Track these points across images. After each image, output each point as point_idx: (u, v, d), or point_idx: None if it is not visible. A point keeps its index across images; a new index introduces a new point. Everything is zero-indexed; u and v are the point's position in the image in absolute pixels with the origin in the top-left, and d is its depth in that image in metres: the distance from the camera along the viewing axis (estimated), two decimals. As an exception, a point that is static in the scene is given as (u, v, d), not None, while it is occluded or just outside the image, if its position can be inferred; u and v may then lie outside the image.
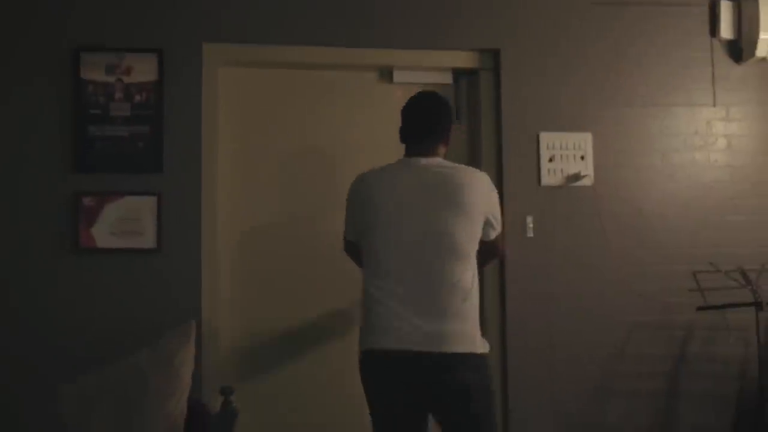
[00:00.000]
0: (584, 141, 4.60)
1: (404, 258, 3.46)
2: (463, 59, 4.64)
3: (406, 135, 3.72)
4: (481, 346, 3.44)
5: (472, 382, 3.36)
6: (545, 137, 4.58)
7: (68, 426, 3.15)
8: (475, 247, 3.54)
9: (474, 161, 4.67)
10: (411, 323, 3.37)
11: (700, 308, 4.36)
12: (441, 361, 3.34)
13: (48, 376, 3.99)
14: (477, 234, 3.54)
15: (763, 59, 4.67)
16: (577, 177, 4.55)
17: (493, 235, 3.66)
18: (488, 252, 3.74)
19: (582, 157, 4.59)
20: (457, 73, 4.73)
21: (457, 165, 3.65)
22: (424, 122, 3.71)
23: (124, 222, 4.23)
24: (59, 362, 4.07)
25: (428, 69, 4.65)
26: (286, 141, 4.65)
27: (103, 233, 4.22)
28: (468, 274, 3.46)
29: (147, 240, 4.25)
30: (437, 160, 3.63)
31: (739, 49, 4.75)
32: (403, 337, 3.37)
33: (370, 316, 3.48)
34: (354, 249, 3.81)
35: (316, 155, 4.67)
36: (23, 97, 4.24)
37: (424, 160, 3.61)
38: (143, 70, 4.29)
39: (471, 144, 4.75)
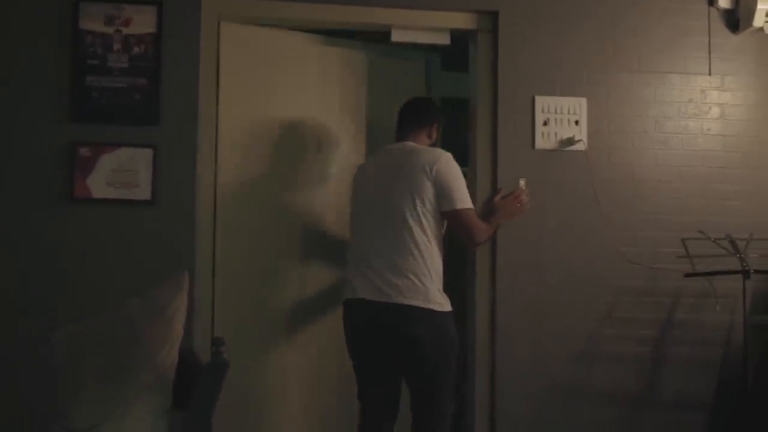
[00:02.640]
0: (579, 105, 4.61)
1: (369, 229, 4.08)
2: (462, 20, 4.64)
3: None
4: (435, 304, 3.91)
5: (420, 334, 3.87)
6: (540, 101, 4.59)
7: (60, 372, 3.17)
8: (431, 218, 3.98)
9: (469, 122, 4.70)
10: (368, 278, 3.97)
11: (688, 275, 4.39)
12: (391, 310, 3.89)
13: (41, 324, 4.00)
14: (426, 205, 3.97)
15: (760, 29, 4.66)
16: (570, 141, 4.57)
17: (449, 206, 3.99)
18: (456, 226, 4.09)
19: (576, 122, 4.61)
20: (455, 33, 4.73)
21: (418, 147, 4.14)
22: (401, 116, 4.29)
23: (120, 173, 4.24)
24: (52, 310, 4.09)
25: (426, 29, 4.66)
26: (284, 99, 4.68)
27: (99, 184, 4.23)
28: (421, 240, 3.94)
29: (142, 192, 4.25)
30: (404, 144, 4.19)
31: (736, 19, 4.74)
32: (361, 289, 4.00)
33: (346, 275, 4.18)
34: None
35: (313, 114, 4.70)
36: (22, 46, 4.24)
37: (394, 145, 4.22)
38: (142, 21, 4.29)
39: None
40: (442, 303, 3.95)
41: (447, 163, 4.00)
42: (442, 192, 3.97)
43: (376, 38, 4.86)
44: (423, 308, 3.88)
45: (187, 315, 3.29)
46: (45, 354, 3.27)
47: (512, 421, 4.49)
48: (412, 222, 3.94)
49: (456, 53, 4.95)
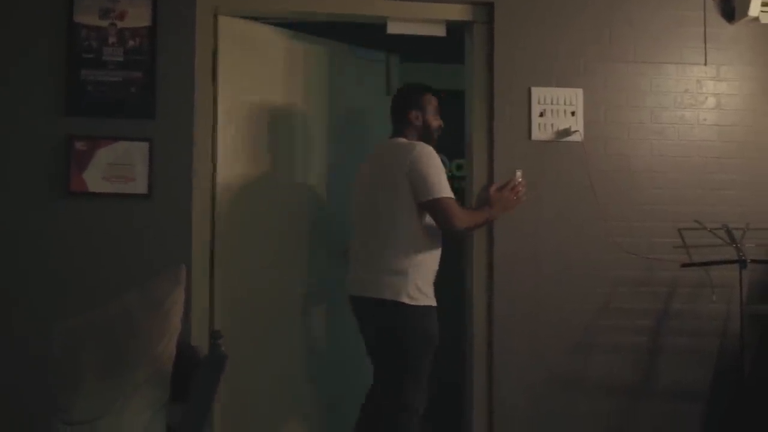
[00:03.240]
0: (575, 96, 4.61)
1: (359, 224, 4.24)
2: (457, 12, 4.64)
3: None
4: (407, 297, 4.00)
5: (388, 325, 4.02)
6: (537, 92, 4.58)
7: (58, 366, 3.17)
8: (411, 213, 4.04)
9: (465, 113, 4.70)
10: (357, 274, 4.18)
11: (684, 265, 4.39)
12: (369, 304, 4.08)
13: (37, 318, 4.02)
14: (404, 201, 4.04)
15: (756, 19, 4.65)
16: (567, 132, 4.57)
17: (425, 196, 4.02)
18: (433, 215, 4.08)
19: (572, 113, 4.60)
20: (451, 25, 4.72)
21: (399, 143, 4.19)
22: (391, 113, 4.38)
23: (116, 167, 4.24)
24: (48, 304, 4.10)
25: (422, 21, 4.64)
26: (282, 94, 4.70)
27: (95, 178, 4.23)
28: (401, 237, 4.04)
29: (138, 185, 4.25)
30: (393, 141, 4.27)
31: (732, 9, 4.74)
32: (352, 285, 4.22)
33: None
34: None
35: (309, 108, 4.71)
36: (17, 41, 4.23)
37: (387, 141, 4.31)
38: (137, 15, 4.28)
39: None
40: (416, 297, 4.03)
41: (421, 156, 4.04)
42: (417, 184, 4.02)
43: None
44: (393, 301, 3.99)
45: (184, 308, 3.29)
46: (43, 348, 3.26)
47: (510, 413, 4.49)
48: (391, 219, 4.06)
49: (418, 43, 4.96)
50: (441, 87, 4.50)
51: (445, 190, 4.04)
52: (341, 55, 4.96)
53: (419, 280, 4.04)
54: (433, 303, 4.10)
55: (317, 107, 4.84)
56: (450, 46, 4.93)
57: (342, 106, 4.93)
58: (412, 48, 5.14)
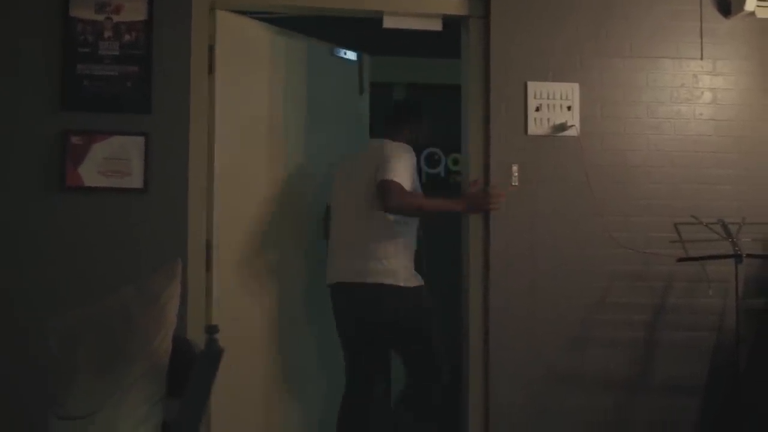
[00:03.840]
0: (571, 91, 4.60)
1: (341, 214, 4.45)
2: (453, 6, 4.63)
3: None
4: (403, 280, 4.26)
5: (394, 309, 4.26)
6: (533, 86, 4.58)
7: (54, 361, 3.16)
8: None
9: (461, 108, 4.70)
10: (344, 263, 4.35)
11: (680, 260, 4.39)
12: (366, 290, 4.25)
13: (34, 312, 4.01)
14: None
15: (752, 13, 4.65)
16: (563, 127, 4.56)
17: (379, 177, 4.19)
18: (378, 193, 4.20)
19: (569, 108, 4.60)
20: (447, 19, 4.71)
21: (384, 143, 4.40)
22: (387, 116, 4.67)
23: (112, 161, 4.23)
24: (45, 298, 4.09)
25: (418, 15, 4.64)
26: (279, 89, 4.72)
27: (91, 172, 4.22)
28: (385, 225, 4.26)
29: (134, 180, 4.25)
30: (378, 141, 4.48)
31: (728, 3, 4.74)
32: (337, 273, 4.39)
33: (327, 260, 4.52)
34: None
35: (293, 104, 4.75)
36: (13, 35, 4.22)
37: (371, 142, 4.62)
38: (133, 9, 4.27)
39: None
40: (409, 279, 4.31)
41: (397, 148, 4.32)
42: (380, 168, 4.19)
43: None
44: (393, 285, 4.24)
45: (180, 303, 3.29)
46: (39, 343, 3.26)
47: (506, 409, 4.49)
48: (374, 210, 4.23)
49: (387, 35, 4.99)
50: (433, 82, 4.53)
51: (395, 175, 4.15)
52: (318, 53, 4.98)
53: (406, 262, 4.30)
54: (422, 283, 4.38)
55: (300, 104, 4.86)
56: (448, 40, 4.94)
57: (319, 102, 4.95)
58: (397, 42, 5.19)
